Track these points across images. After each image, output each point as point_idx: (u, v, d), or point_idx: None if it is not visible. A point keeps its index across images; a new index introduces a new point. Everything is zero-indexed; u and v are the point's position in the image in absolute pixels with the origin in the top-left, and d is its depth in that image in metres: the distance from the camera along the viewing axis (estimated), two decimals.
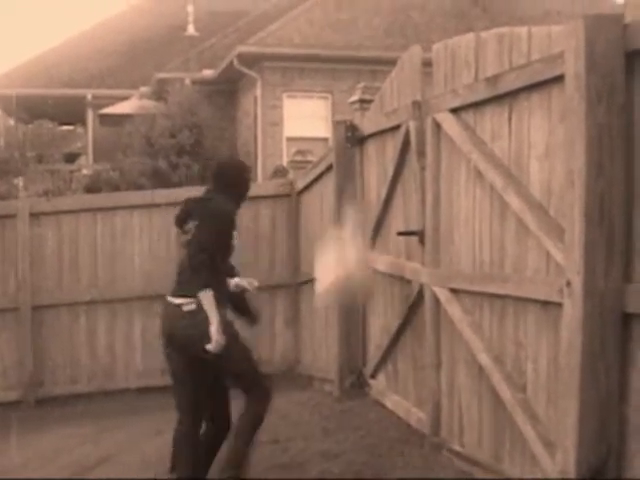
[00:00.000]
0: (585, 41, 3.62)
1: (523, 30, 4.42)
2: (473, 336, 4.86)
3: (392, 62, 6.69)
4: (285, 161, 16.13)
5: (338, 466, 5.43)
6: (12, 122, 23.25)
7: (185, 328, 5.01)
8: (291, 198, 9.66)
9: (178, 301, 5.04)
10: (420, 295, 5.67)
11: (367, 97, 7.21)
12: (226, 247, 5.16)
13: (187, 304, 4.99)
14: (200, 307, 4.93)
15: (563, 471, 3.79)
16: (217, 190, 5.25)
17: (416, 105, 5.63)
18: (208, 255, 4.93)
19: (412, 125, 5.69)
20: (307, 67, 18.51)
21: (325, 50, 18.47)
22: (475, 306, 4.92)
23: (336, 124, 7.62)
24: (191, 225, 5.15)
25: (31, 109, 21.49)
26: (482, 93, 4.71)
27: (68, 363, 9.53)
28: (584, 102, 3.63)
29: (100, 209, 9.65)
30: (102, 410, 8.88)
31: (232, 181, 5.30)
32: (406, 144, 5.90)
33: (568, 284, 3.74)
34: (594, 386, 3.66)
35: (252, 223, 9.53)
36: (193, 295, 4.96)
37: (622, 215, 3.64)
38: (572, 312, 3.72)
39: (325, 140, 17.17)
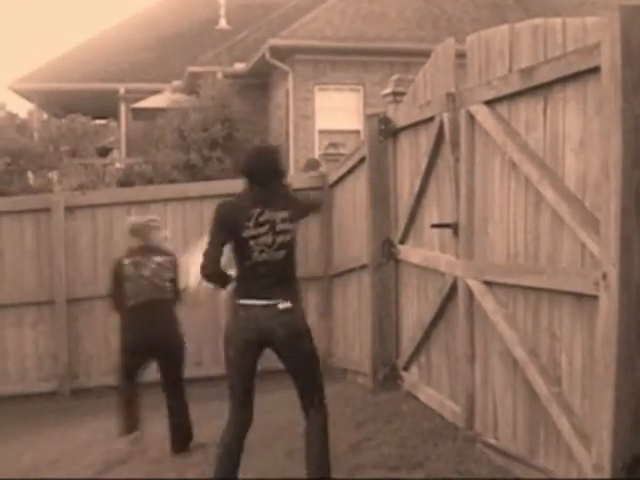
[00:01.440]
0: (621, 32, 3.60)
1: (557, 21, 4.39)
2: (507, 329, 4.84)
3: (425, 54, 6.66)
4: (317, 154, 16.12)
5: (371, 458, 5.45)
6: (46, 116, 23.46)
7: None
8: (323, 191, 9.66)
9: None
10: (454, 287, 5.66)
11: (400, 89, 7.19)
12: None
13: None
14: None
15: (598, 465, 3.77)
16: None
17: (450, 97, 5.61)
18: None
19: (446, 117, 5.67)
20: (339, 59, 18.48)
21: (357, 42, 18.43)
22: (509, 298, 4.90)
23: (369, 117, 7.60)
24: None
25: (64, 104, 21.67)
26: (516, 85, 4.69)
27: (102, 355, 9.60)
28: (620, 93, 3.61)
29: (134, 202, 9.71)
30: None
31: None
32: (440, 136, 5.88)
33: (604, 277, 3.72)
34: (630, 379, 3.64)
35: None
36: None
37: None
38: (608, 305, 3.70)
39: (357, 133, 17.15)
